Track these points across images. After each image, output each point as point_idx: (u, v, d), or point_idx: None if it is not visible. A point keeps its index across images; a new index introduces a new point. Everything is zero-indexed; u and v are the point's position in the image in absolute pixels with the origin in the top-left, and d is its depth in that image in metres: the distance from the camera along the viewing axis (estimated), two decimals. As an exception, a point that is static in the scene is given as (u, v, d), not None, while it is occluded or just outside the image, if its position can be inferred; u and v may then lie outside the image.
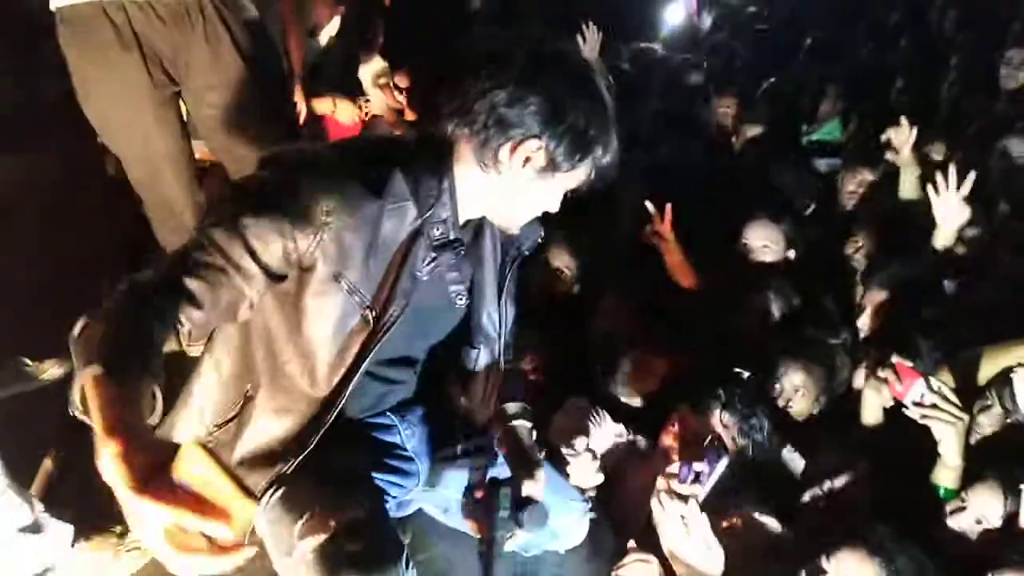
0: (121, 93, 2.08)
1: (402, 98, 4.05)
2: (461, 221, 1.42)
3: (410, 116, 4.03)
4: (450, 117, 1.34)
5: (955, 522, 1.71)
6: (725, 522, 1.79)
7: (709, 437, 1.92)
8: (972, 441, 1.88)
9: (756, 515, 1.81)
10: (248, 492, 0.87)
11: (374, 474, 1.50)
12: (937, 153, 3.16)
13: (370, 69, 3.96)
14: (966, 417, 1.76)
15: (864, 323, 2.41)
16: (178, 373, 1.50)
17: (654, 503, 1.65)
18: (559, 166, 1.32)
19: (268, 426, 1.39)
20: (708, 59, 5.70)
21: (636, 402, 2.39)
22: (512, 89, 1.27)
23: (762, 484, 1.93)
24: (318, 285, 1.31)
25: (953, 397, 1.75)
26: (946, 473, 1.79)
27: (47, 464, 2.09)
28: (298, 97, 3.35)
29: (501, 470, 1.62)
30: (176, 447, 0.88)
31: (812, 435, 2.14)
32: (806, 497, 1.92)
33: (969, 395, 1.89)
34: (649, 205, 2.67)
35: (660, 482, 1.74)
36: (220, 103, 2.18)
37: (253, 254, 1.24)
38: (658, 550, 1.68)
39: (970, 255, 2.51)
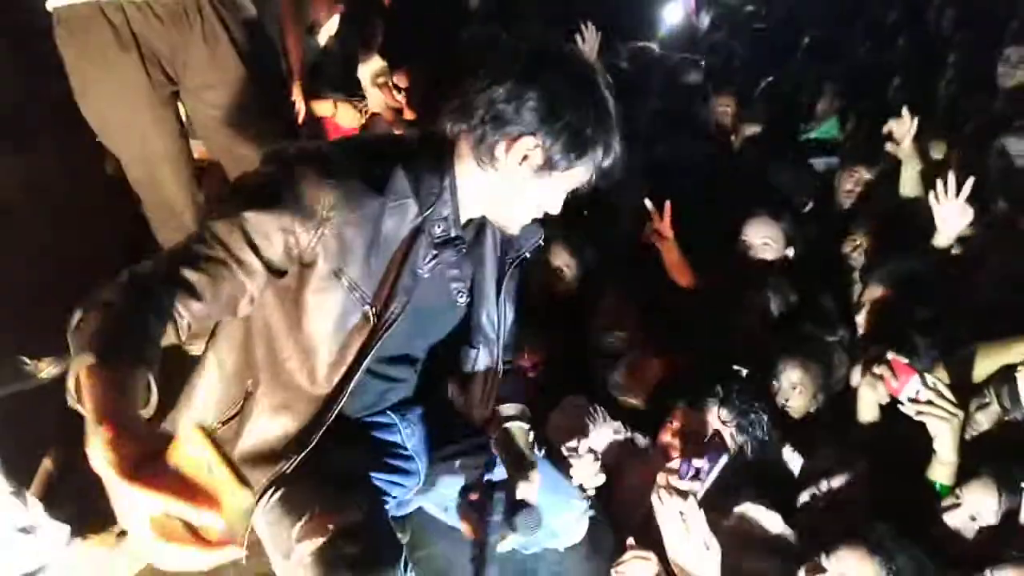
0: (119, 93, 2.08)
1: (401, 97, 4.05)
2: (463, 220, 1.42)
3: (409, 115, 4.04)
4: (450, 114, 1.35)
5: (950, 519, 1.71)
6: (725, 521, 1.79)
7: (710, 434, 1.93)
8: (968, 438, 1.89)
9: (758, 510, 1.81)
10: (244, 481, 0.86)
11: (374, 474, 1.50)
12: (936, 152, 3.16)
13: (369, 68, 3.96)
14: (961, 413, 1.76)
15: (862, 320, 2.42)
16: (182, 371, 1.51)
17: (654, 499, 1.66)
18: (556, 165, 1.32)
19: (269, 424, 1.39)
20: (706, 58, 5.70)
21: (635, 400, 2.40)
22: (511, 86, 1.28)
23: (762, 483, 1.94)
24: (319, 281, 1.31)
25: (948, 393, 1.75)
26: (941, 469, 1.80)
27: (47, 463, 2.09)
28: (297, 96, 3.35)
29: (499, 472, 1.62)
30: (170, 438, 0.87)
31: (810, 433, 2.15)
32: (805, 496, 1.92)
33: (964, 392, 1.90)
34: (648, 203, 2.67)
35: (660, 477, 1.73)
36: (218, 102, 2.18)
37: (255, 248, 1.24)
38: (657, 547, 1.69)
39: (967, 253, 2.51)
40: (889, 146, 2.83)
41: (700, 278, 2.70)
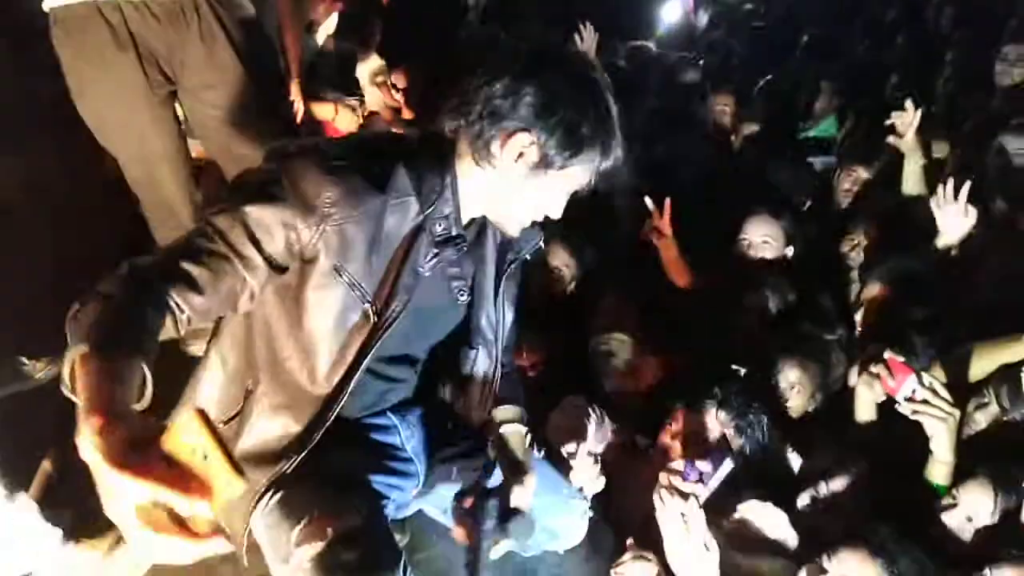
0: (117, 93, 2.07)
1: (399, 97, 4.05)
2: (464, 219, 1.42)
3: (407, 115, 4.04)
4: (449, 112, 1.35)
5: (947, 519, 1.71)
6: (724, 521, 1.79)
7: (716, 438, 1.92)
8: (966, 438, 1.89)
9: (765, 507, 1.81)
10: (238, 468, 0.85)
11: (374, 476, 1.50)
12: (937, 151, 3.16)
13: (368, 67, 3.96)
14: (957, 413, 1.76)
15: (860, 318, 2.42)
16: (186, 370, 1.51)
17: (655, 498, 1.65)
18: (552, 163, 1.31)
19: (269, 423, 1.39)
20: (705, 57, 5.70)
21: (634, 400, 2.40)
22: (509, 81, 1.28)
23: (762, 483, 1.94)
24: (319, 278, 1.31)
25: (945, 393, 1.75)
26: (938, 469, 1.80)
27: (45, 465, 2.08)
28: (295, 95, 3.35)
29: (497, 475, 1.62)
30: (162, 427, 0.87)
31: (808, 432, 2.15)
32: (804, 496, 1.92)
33: (960, 391, 1.90)
34: (648, 201, 2.67)
35: (662, 477, 1.73)
36: (216, 102, 2.18)
37: (256, 243, 1.24)
38: (657, 548, 1.69)
39: (967, 253, 2.51)
40: (892, 139, 2.81)
41: (698, 277, 2.70)
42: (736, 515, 1.81)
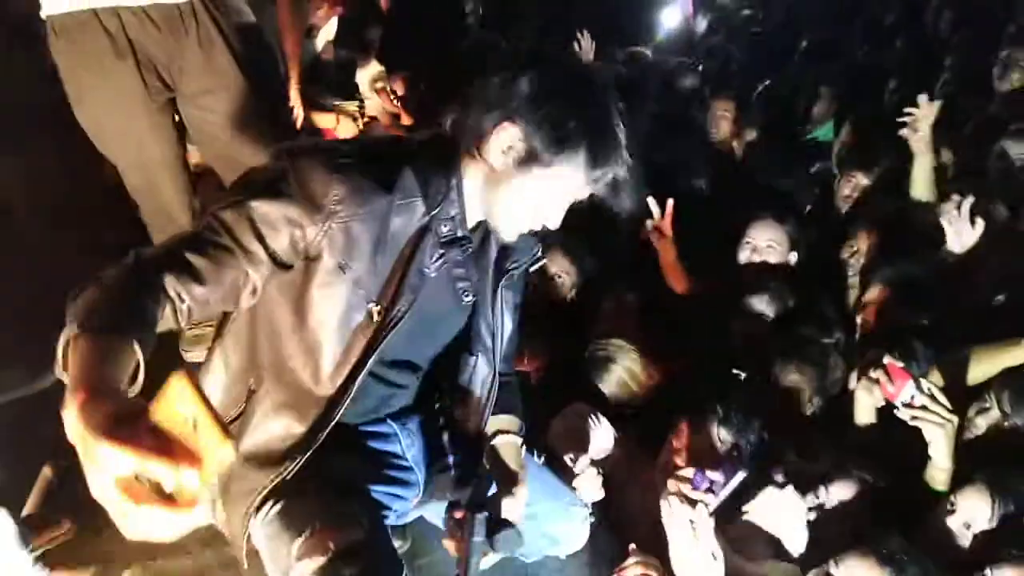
0: (116, 101, 2.07)
1: (398, 102, 4.06)
2: (470, 221, 1.43)
3: (406, 120, 4.05)
4: (450, 111, 1.37)
5: (945, 525, 1.70)
6: (731, 528, 1.78)
7: (729, 449, 1.92)
8: (966, 442, 1.89)
9: (784, 493, 1.80)
10: (228, 433, 0.85)
11: (375, 487, 1.49)
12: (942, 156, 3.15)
13: (367, 73, 3.97)
14: (955, 419, 1.76)
15: (860, 322, 2.41)
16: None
17: (663, 504, 1.64)
18: (538, 157, 1.31)
19: (272, 423, 1.39)
20: (704, 62, 5.70)
21: (633, 405, 2.39)
22: (506, 74, 1.30)
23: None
24: (324, 276, 1.31)
25: (943, 399, 1.75)
26: (937, 474, 1.80)
27: (46, 471, 2.08)
28: (295, 101, 3.35)
29: (493, 485, 1.61)
30: (145, 407, 0.86)
31: (807, 437, 2.14)
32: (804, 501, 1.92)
33: (960, 395, 1.90)
34: (651, 201, 2.67)
35: (671, 484, 1.72)
36: (215, 108, 2.18)
37: (261, 238, 1.25)
38: (660, 554, 1.68)
39: (967, 254, 2.51)
40: (906, 132, 2.75)
41: (696, 282, 2.69)
42: (747, 514, 1.80)
